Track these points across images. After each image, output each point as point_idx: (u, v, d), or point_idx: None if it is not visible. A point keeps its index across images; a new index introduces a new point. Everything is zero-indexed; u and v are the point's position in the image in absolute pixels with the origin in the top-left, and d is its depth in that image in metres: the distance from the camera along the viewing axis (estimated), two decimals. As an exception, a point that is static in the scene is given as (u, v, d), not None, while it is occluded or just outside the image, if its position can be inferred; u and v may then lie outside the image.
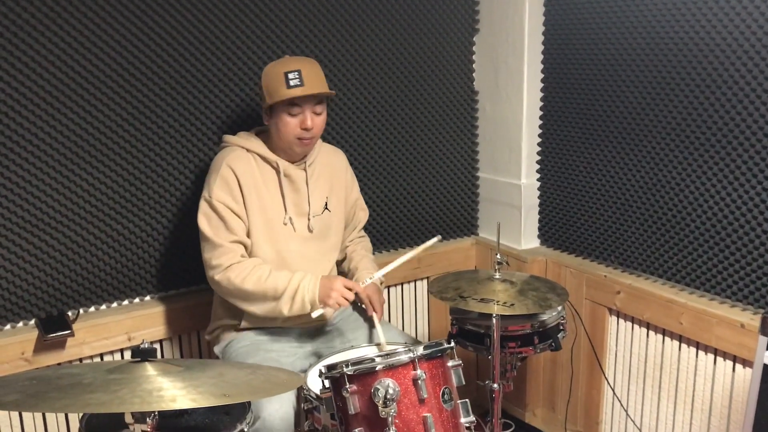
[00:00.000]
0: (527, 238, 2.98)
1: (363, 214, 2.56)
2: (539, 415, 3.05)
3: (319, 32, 2.62)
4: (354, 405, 1.67)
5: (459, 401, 1.76)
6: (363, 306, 2.34)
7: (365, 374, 1.67)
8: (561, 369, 2.91)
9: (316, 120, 2.19)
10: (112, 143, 2.33)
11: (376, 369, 1.67)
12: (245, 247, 2.20)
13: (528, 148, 2.90)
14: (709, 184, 2.31)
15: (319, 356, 2.23)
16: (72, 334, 2.25)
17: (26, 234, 2.24)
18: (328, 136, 2.70)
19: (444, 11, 2.90)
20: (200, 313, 2.49)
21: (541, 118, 2.88)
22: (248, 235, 2.20)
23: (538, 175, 2.94)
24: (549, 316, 2.28)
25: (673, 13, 2.31)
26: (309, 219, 2.29)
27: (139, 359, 1.51)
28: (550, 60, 2.80)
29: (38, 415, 2.29)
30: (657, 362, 2.54)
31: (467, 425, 1.75)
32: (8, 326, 2.28)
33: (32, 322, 2.30)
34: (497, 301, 2.11)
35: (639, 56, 2.44)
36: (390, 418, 1.62)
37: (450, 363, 1.77)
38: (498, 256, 2.29)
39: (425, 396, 1.67)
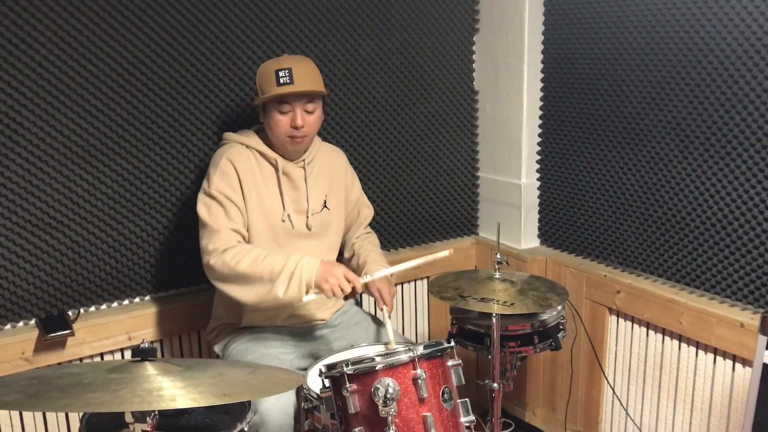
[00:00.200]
0: (527, 238, 2.98)
1: (368, 211, 2.55)
2: (539, 415, 3.05)
3: (319, 31, 2.62)
4: (354, 404, 1.67)
5: (459, 400, 1.77)
6: (373, 297, 2.30)
7: (365, 373, 1.67)
8: (561, 368, 2.92)
9: (307, 118, 2.18)
10: (112, 143, 2.34)
11: (376, 368, 1.67)
12: (243, 237, 2.18)
13: (528, 148, 2.90)
14: (708, 184, 2.31)
15: (319, 356, 2.23)
16: (72, 334, 2.25)
17: (26, 234, 2.25)
18: (328, 136, 2.70)
19: (444, 11, 2.90)
20: (200, 313, 2.49)
21: (541, 117, 2.88)
22: (247, 230, 2.20)
23: (538, 175, 2.94)
24: (549, 316, 2.28)
25: (673, 13, 2.31)
26: (308, 217, 2.29)
27: (139, 359, 1.51)
28: (550, 59, 2.80)
29: (38, 415, 2.29)
30: (657, 362, 2.54)
31: (467, 424, 1.76)
32: (8, 326, 2.28)
33: (32, 321, 2.30)
34: (497, 301, 2.11)
35: (639, 56, 2.44)
36: (390, 418, 1.62)
37: (450, 362, 1.77)
38: (498, 256, 2.29)
39: (425, 395, 1.67)
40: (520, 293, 2.18)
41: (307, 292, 2.05)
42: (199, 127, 2.48)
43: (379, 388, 1.63)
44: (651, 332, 2.55)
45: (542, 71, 2.84)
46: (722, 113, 2.23)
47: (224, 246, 2.11)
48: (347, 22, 2.68)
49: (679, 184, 2.40)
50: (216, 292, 2.34)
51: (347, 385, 1.67)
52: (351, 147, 2.78)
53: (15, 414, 2.25)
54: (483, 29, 2.99)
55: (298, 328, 2.34)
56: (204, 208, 2.16)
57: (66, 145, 2.26)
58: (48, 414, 2.31)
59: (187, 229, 2.48)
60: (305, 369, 2.14)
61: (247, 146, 2.23)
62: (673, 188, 2.42)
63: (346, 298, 2.41)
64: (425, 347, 1.72)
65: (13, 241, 2.23)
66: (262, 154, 2.24)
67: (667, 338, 2.50)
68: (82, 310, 2.38)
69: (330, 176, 2.38)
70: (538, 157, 2.92)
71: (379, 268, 2.33)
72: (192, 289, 2.58)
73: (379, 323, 2.44)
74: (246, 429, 1.68)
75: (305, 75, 2.17)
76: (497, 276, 2.27)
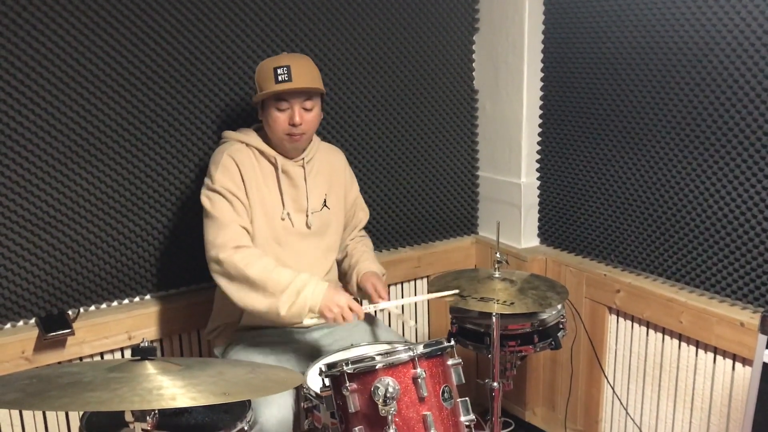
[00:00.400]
0: (527, 237, 2.98)
1: (363, 215, 2.55)
2: (539, 414, 3.05)
3: (319, 30, 2.62)
4: (354, 403, 1.67)
5: (459, 400, 1.77)
6: (366, 298, 2.32)
7: (365, 373, 1.67)
8: (561, 368, 2.92)
9: (305, 116, 2.18)
10: (111, 142, 2.34)
11: (376, 367, 1.67)
12: (249, 234, 2.16)
13: (528, 147, 2.90)
14: (708, 183, 2.31)
15: (319, 355, 2.23)
16: (72, 333, 2.25)
17: (26, 233, 2.25)
18: (328, 135, 2.70)
19: (444, 10, 2.90)
20: (200, 312, 2.49)
21: (540, 116, 2.88)
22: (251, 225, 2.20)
23: (537, 174, 2.94)
24: (549, 315, 2.28)
25: (673, 12, 2.31)
26: (307, 215, 2.29)
27: (139, 358, 1.51)
28: (550, 59, 2.80)
29: (38, 414, 2.29)
30: (657, 361, 2.55)
31: (467, 424, 1.76)
32: (8, 325, 2.28)
33: (32, 320, 2.30)
34: (497, 300, 2.11)
35: (639, 55, 2.44)
36: (390, 417, 1.62)
37: (450, 361, 1.78)
38: (498, 255, 2.29)
39: (425, 394, 1.68)
40: (519, 292, 2.18)
41: (309, 313, 2.06)
42: (199, 126, 2.48)
43: (379, 387, 1.63)
44: (651, 331, 2.55)
45: (542, 70, 2.84)
46: (722, 113, 2.23)
47: (235, 242, 2.08)
48: (347, 22, 2.68)
49: (678, 184, 2.40)
50: (216, 291, 2.34)
51: (347, 384, 1.67)
52: (351, 146, 2.78)
53: (15, 413, 2.25)
54: (483, 28, 2.99)
55: (298, 328, 2.33)
56: (208, 201, 2.14)
57: (66, 144, 2.26)
58: (48, 413, 2.31)
59: (187, 228, 2.48)
60: (305, 370, 2.14)
61: (247, 144, 2.23)
62: (672, 187, 2.42)
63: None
64: (425, 346, 1.72)
65: (13, 240, 2.23)
66: (262, 153, 2.23)
67: (667, 337, 2.50)
68: (82, 310, 2.38)
69: (330, 175, 2.38)
70: (538, 157, 2.92)
71: (371, 267, 2.35)
72: (192, 288, 2.58)
73: (379, 323, 2.44)
74: (246, 428, 1.68)
75: (303, 72, 2.17)
76: (497, 275, 2.27)
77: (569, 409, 2.89)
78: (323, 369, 1.74)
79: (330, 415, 1.75)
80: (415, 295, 3.03)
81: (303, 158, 2.29)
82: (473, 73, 3.05)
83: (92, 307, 2.42)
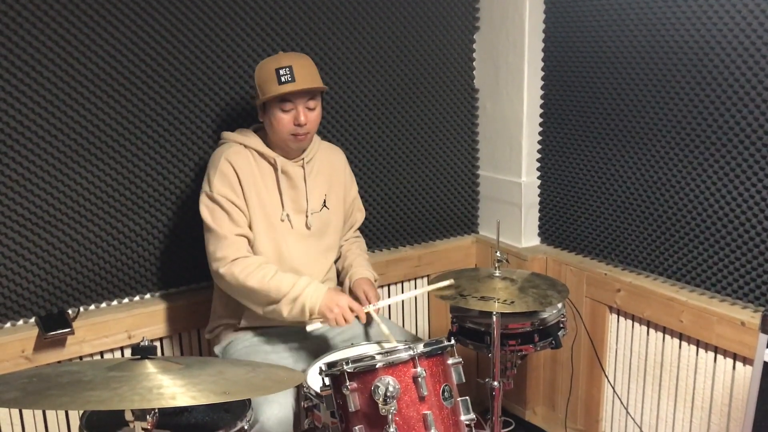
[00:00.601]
0: (527, 236, 2.98)
1: (360, 215, 2.56)
2: (539, 413, 3.05)
3: (319, 30, 2.62)
4: (354, 402, 1.67)
5: (459, 399, 1.77)
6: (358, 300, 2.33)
7: (365, 372, 1.67)
8: (561, 367, 2.92)
9: (309, 115, 2.19)
10: (111, 141, 2.33)
11: (377, 366, 1.67)
12: (249, 241, 2.19)
13: (528, 146, 2.90)
14: (709, 182, 2.31)
15: (319, 355, 2.23)
16: (72, 332, 2.25)
17: (26, 232, 2.24)
18: (327, 134, 2.70)
19: (444, 9, 2.90)
20: (200, 311, 2.49)
21: (541, 116, 2.88)
22: (250, 228, 2.20)
23: (538, 173, 2.94)
24: (549, 314, 2.28)
25: (674, 12, 2.31)
26: (307, 216, 2.29)
27: (139, 357, 1.51)
28: (550, 58, 2.80)
29: (38, 413, 2.29)
30: (657, 360, 2.54)
31: (467, 423, 1.76)
32: (8, 324, 2.28)
33: (32, 320, 2.30)
34: (497, 299, 2.11)
35: (639, 55, 2.44)
36: (390, 416, 1.62)
37: (450, 361, 1.78)
38: (498, 254, 2.29)
39: (425, 393, 1.67)
40: (520, 291, 2.17)
41: (310, 316, 2.11)
42: (199, 125, 2.48)
43: (379, 386, 1.63)
44: (651, 331, 2.55)
45: (542, 69, 2.84)
46: (722, 112, 2.23)
47: (233, 255, 2.14)
48: (347, 21, 2.67)
49: (679, 183, 2.40)
50: (215, 291, 2.34)
51: (347, 383, 1.67)
52: (351, 145, 2.78)
53: (15, 412, 2.25)
54: (483, 27, 2.99)
55: (298, 327, 2.33)
56: (207, 211, 2.17)
57: (66, 143, 2.26)
58: (48, 412, 2.31)
59: (186, 227, 2.48)
60: (305, 369, 2.14)
61: (246, 146, 2.23)
62: (673, 186, 2.42)
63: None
64: (425, 345, 1.72)
65: (13, 239, 2.23)
66: (261, 154, 2.23)
67: (667, 336, 2.49)
68: (82, 309, 2.38)
69: (329, 175, 2.38)
70: (539, 156, 2.92)
71: (364, 273, 2.36)
72: (192, 287, 2.58)
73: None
74: (246, 427, 1.68)
75: (306, 72, 2.17)
76: (497, 274, 2.27)
77: (569, 409, 2.88)
78: (323, 368, 1.74)
79: (330, 414, 1.75)
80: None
81: (303, 158, 2.29)
82: (474, 73, 3.05)
83: (92, 306, 2.42)
